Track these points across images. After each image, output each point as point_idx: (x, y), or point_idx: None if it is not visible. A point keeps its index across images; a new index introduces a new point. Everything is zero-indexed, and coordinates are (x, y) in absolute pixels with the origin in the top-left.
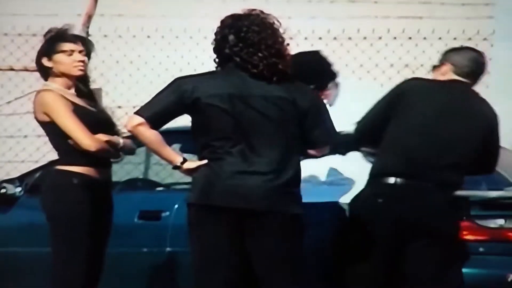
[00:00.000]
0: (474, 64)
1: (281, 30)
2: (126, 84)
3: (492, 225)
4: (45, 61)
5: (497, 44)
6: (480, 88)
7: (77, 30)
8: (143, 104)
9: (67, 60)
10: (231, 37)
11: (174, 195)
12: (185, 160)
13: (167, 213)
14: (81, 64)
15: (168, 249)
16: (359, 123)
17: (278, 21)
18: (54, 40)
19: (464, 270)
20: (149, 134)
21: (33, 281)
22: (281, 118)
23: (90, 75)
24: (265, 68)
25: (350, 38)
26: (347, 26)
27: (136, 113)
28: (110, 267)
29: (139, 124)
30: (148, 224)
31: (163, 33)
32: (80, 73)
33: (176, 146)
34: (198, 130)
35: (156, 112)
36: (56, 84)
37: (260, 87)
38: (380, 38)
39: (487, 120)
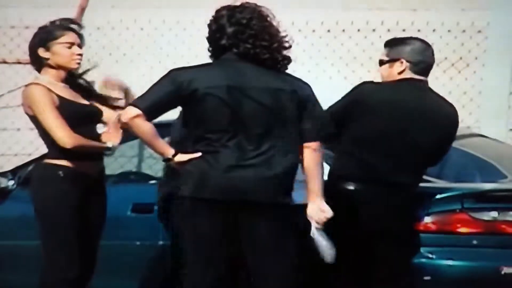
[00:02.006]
0: (429, 59)
1: (275, 22)
2: (119, 76)
3: (486, 218)
4: (42, 52)
5: (491, 36)
6: (474, 80)
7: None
8: (135, 96)
9: (67, 52)
10: (230, 28)
11: None
12: (176, 153)
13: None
14: (79, 57)
15: (160, 242)
16: None
17: (272, 13)
18: (52, 31)
19: (457, 263)
20: (145, 127)
21: (27, 274)
22: (280, 110)
23: (83, 67)
24: (269, 58)
25: (343, 31)
26: (341, 18)
27: (132, 104)
28: (103, 260)
29: (136, 116)
30: (141, 217)
31: (156, 25)
32: (77, 66)
33: (168, 139)
34: (193, 123)
35: (152, 104)
36: (48, 76)
37: (259, 78)
38: (374, 30)
39: (449, 123)
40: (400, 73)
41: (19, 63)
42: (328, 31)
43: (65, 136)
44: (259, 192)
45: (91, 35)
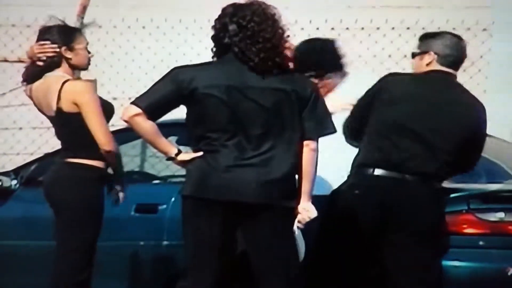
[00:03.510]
0: (458, 52)
1: (281, 21)
2: (121, 75)
3: (492, 219)
4: (65, 51)
5: (496, 34)
6: (480, 78)
7: (72, 21)
8: (138, 95)
9: (84, 53)
10: (232, 26)
11: (170, 188)
12: (179, 152)
13: (164, 206)
14: (90, 59)
15: (165, 242)
16: (346, 120)
17: (278, 12)
18: (73, 33)
19: (464, 264)
20: (146, 125)
21: (29, 274)
22: (280, 110)
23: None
24: (260, 62)
25: (347, 29)
26: (345, 16)
27: (133, 103)
28: (107, 261)
29: (136, 115)
30: (145, 217)
31: (158, 24)
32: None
33: (173, 138)
34: (194, 122)
35: (153, 103)
36: (67, 75)
37: (258, 79)
38: (378, 28)
39: (474, 114)
40: (428, 64)
41: (21, 61)
42: (332, 29)
43: (110, 141)
44: (258, 193)
45: (93, 34)
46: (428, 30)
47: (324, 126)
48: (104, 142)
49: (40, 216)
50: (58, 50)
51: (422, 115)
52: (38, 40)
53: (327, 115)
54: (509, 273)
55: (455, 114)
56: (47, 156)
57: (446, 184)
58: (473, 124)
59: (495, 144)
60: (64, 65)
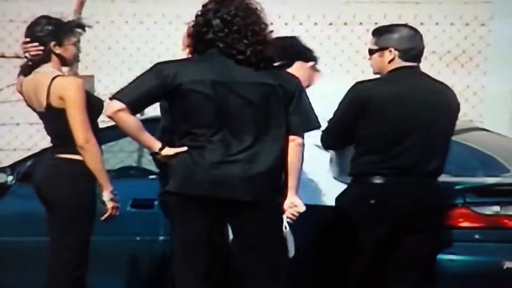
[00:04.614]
0: (418, 45)
1: (264, 15)
2: (118, 71)
3: (488, 212)
4: (54, 46)
5: (495, 29)
6: (478, 74)
7: (70, 16)
8: None
9: (74, 50)
10: (216, 21)
11: None
12: (163, 147)
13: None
14: (77, 56)
15: (161, 237)
16: (327, 132)
17: (260, 6)
18: (65, 28)
19: (459, 257)
20: (129, 120)
21: (26, 270)
22: (266, 105)
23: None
24: (252, 55)
25: (345, 24)
26: (343, 12)
27: (115, 97)
28: (103, 256)
29: (120, 110)
30: (141, 212)
31: (156, 19)
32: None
33: None
34: (179, 117)
35: (136, 98)
36: (56, 70)
37: (244, 74)
38: (376, 23)
39: (455, 100)
40: (390, 62)
41: (18, 57)
42: (330, 24)
43: (87, 139)
44: (245, 190)
45: (90, 29)
46: (426, 25)
47: (310, 121)
48: (79, 138)
49: (37, 212)
50: (42, 48)
51: (416, 115)
52: (26, 35)
53: (312, 110)
54: (504, 267)
55: (442, 105)
56: (43, 151)
57: (441, 178)
58: (457, 110)
59: (490, 137)
60: (54, 60)
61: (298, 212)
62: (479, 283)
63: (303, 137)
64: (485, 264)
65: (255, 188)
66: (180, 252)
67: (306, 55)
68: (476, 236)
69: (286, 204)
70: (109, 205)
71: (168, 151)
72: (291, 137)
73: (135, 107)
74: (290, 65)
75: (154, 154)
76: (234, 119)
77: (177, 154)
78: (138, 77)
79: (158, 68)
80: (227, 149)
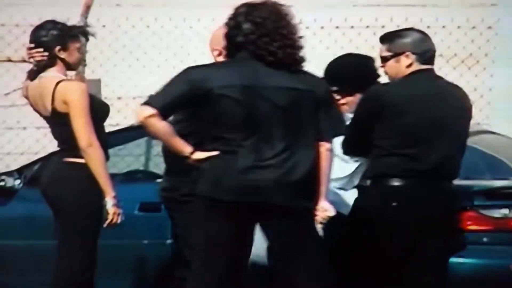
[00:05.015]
0: (432, 46)
1: (295, 20)
2: (125, 75)
3: (496, 215)
4: (58, 51)
5: (501, 32)
6: (484, 77)
7: (76, 21)
8: (143, 95)
9: (78, 55)
10: (246, 25)
11: None
12: (194, 151)
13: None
14: (81, 60)
15: (168, 241)
16: (348, 136)
17: (291, 12)
18: (69, 33)
19: (468, 260)
20: (160, 126)
21: (32, 274)
22: (296, 110)
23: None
24: (282, 58)
25: (352, 27)
26: (350, 15)
27: (147, 103)
28: (110, 259)
29: (151, 116)
30: (148, 216)
31: (162, 23)
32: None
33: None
34: (210, 122)
35: (167, 103)
36: (61, 74)
37: (274, 78)
38: (383, 27)
39: (468, 106)
40: (408, 66)
41: (24, 61)
42: (337, 27)
43: (90, 143)
44: (277, 194)
45: (97, 33)
46: (433, 28)
47: (339, 127)
48: (82, 142)
49: (43, 215)
50: (46, 54)
51: (434, 118)
52: (31, 40)
53: (341, 115)
54: None
55: (459, 108)
56: (50, 155)
57: None
58: (470, 112)
59: (499, 141)
60: (59, 65)
61: (328, 217)
62: (487, 286)
63: (331, 143)
64: (493, 267)
65: (287, 192)
66: (201, 255)
67: None
68: (485, 239)
69: (317, 209)
70: (111, 211)
71: (199, 155)
72: (320, 143)
73: (166, 112)
74: None
75: (185, 159)
76: (265, 124)
77: (208, 158)
78: (168, 83)
79: (188, 73)
80: (258, 154)
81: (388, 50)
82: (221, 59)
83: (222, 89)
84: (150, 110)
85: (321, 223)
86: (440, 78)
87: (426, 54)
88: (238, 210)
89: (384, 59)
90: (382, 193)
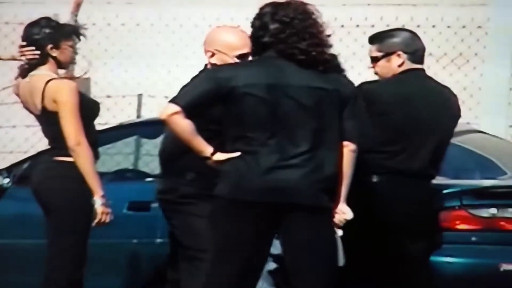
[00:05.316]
0: (422, 46)
1: (321, 19)
2: (115, 73)
3: (485, 214)
4: (50, 49)
5: (491, 31)
6: (474, 76)
7: (66, 18)
8: (132, 93)
9: (70, 53)
10: (274, 25)
11: None
12: (215, 151)
13: (157, 204)
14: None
15: (158, 240)
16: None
17: (317, 11)
18: (62, 31)
19: (457, 259)
20: (183, 124)
21: (22, 273)
22: (321, 110)
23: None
24: (310, 58)
25: (342, 26)
26: (339, 14)
27: (172, 101)
28: (99, 259)
29: (175, 113)
30: (137, 215)
31: (152, 21)
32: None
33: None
34: (232, 121)
35: (191, 101)
36: (52, 73)
37: (300, 77)
38: (373, 26)
39: (456, 106)
40: (400, 65)
41: (14, 59)
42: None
43: (78, 142)
44: (301, 193)
45: (87, 31)
46: (423, 27)
47: (364, 128)
48: (70, 140)
49: (33, 214)
50: (38, 53)
51: (422, 117)
52: (24, 37)
53: (366, 116)
54: (501, 269)
55: (446, 108)
56: (40, 154)
57: (439, 180)
58: (458, 112)
59: (488, 140)
60: (50, 63)
61: (346, 220)
62: (476, 285)
63: (356, 143)
64: (482, 266)
65: (311, 192)
66: (218, 256)
67: None
68: (473, 239)
69: (335, 211)
70: (99, 210)
71: (220, 156)
72: (344, 143)
73: (190, 110)
74: None
75: (205, 159)
76: (289, 123)
77: (229, 159)
78: (192, 81)
79: (212, 71)
80: (282, 154)
81: (379, 50)
82: (214, 60)
83: (246, 87)
84: (175, 107)
85: (337, 225)
86: (430, 78)
87: (417, 53)
88: (259, 211)
89: (375, 59)
90: (359, 189)
